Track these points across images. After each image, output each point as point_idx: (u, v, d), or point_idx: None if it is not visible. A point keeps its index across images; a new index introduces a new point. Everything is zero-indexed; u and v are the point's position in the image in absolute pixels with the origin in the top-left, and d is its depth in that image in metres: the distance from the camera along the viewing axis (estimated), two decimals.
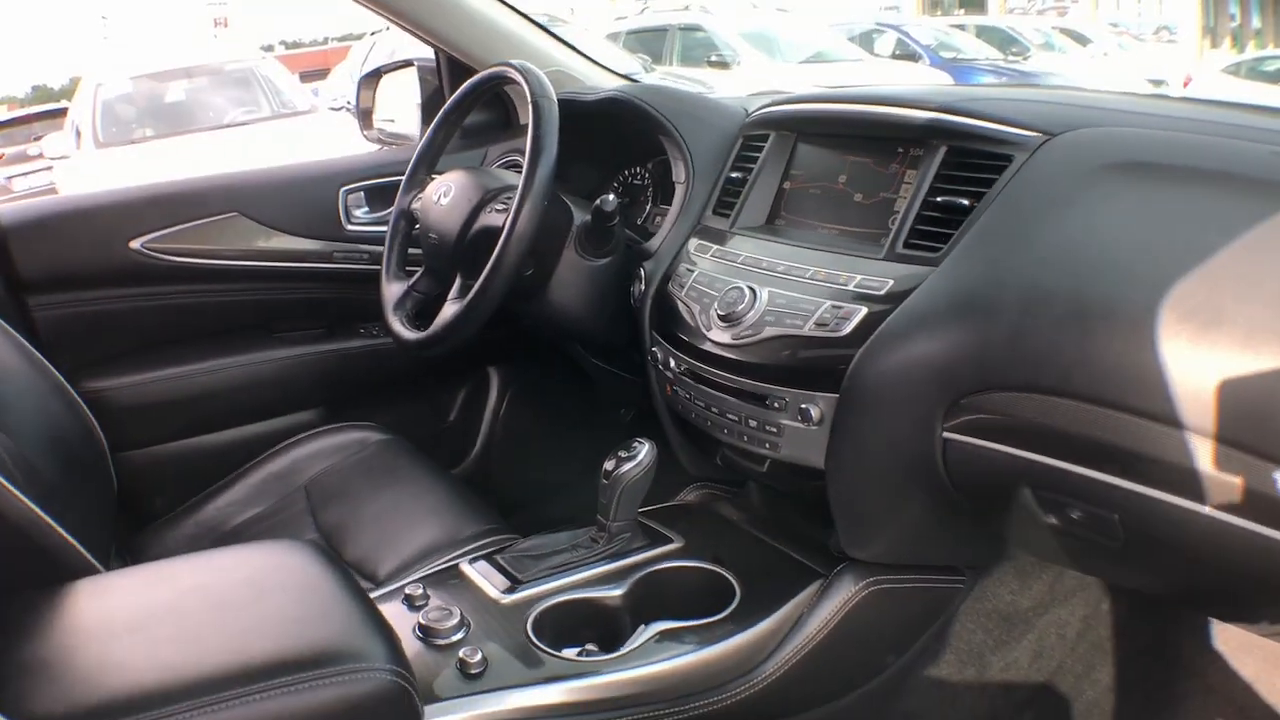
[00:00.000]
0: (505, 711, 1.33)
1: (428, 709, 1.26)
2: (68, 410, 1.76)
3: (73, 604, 1.16)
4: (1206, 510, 1.10)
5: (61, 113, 11.68)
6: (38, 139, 10.64)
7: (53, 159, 9.06)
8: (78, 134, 8.77)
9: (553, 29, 2.35)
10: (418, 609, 1.45)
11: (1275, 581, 1.10)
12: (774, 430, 1.46)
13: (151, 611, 1.14)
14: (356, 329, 2.37)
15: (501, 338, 2.25)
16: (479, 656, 1.36)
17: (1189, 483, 1.09)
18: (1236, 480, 1.05)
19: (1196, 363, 1.07)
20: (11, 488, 1.17)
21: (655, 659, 1.43)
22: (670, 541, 1.64)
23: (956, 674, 1.67)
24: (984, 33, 16.59)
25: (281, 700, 1.01)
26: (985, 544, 1.59)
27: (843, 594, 1.51)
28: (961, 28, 16.94)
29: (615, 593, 1.53)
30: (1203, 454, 1.07)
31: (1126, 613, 1.74)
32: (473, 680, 1.34)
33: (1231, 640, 1.60)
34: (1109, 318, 1.15)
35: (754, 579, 1.57)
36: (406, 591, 1.50)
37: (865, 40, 14.77)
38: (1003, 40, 16.35)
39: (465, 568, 1.59)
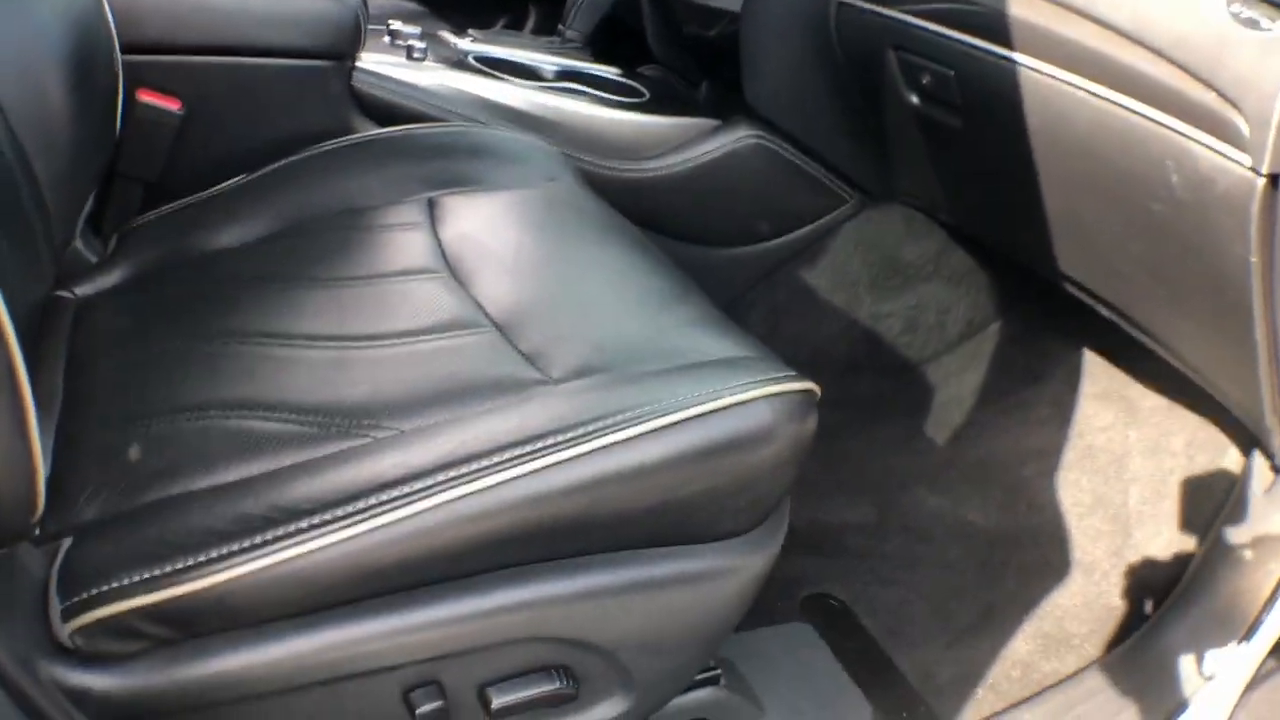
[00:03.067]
0: None
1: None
2: None
3: None
4: (1019, 56, 1.35)
5: None
6: None
7: None
8: None
9: None
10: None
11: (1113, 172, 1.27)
12: None
13: None
14: None
15: None
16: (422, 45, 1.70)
17: (1006, 29, 1.35)
18: (1041, 21, 1.28)
19: None
20: None
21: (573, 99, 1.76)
22: (613, 68, 1.95)
23: (827, 287, 1.92)
24: None
25: None
26: (871, 166, 1.84)
27: (734, 133, 1.80)
28: None
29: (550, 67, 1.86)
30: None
31: (1010, 336, 1.94)
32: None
33: (1099, 388, 1.71)
34: None
35: (670, 99, 1.88)
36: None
37: None
38: None
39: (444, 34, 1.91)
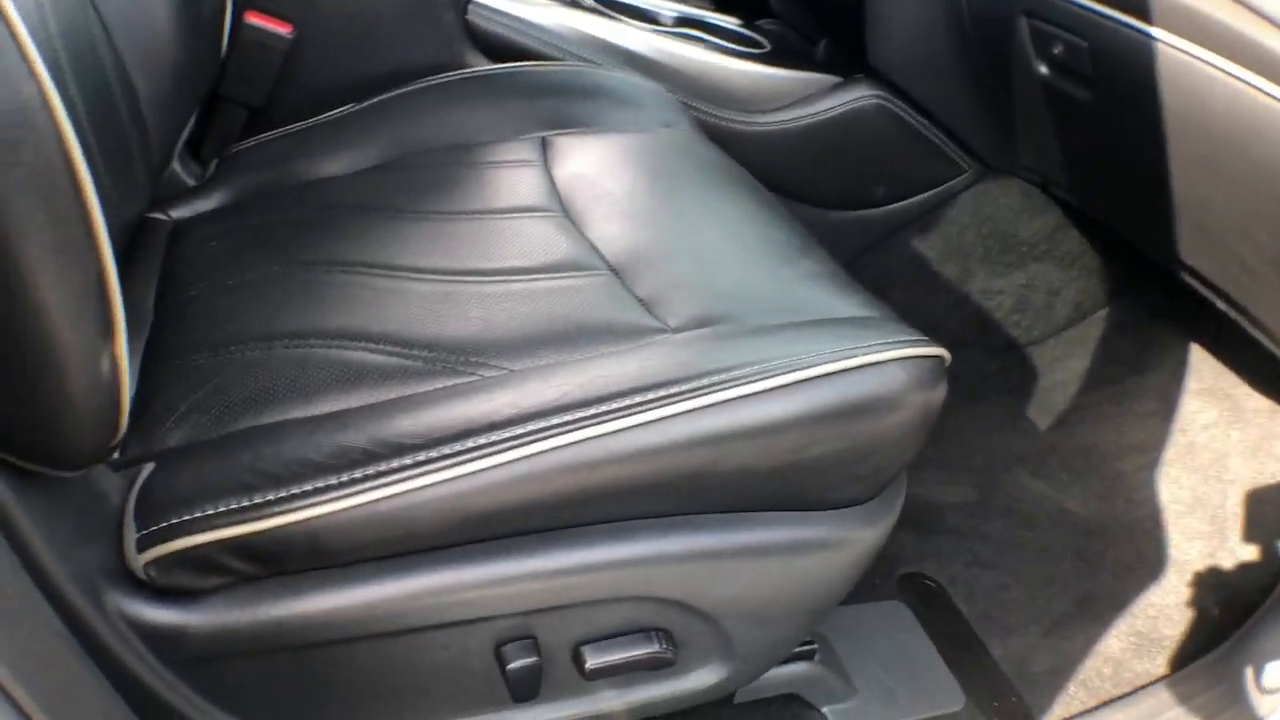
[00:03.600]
0: None
1: None
2: None
3: None
4: (1156, 31, 1.28)
5: None
6: None
7: None
8: None
9: None
10: None
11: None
12: None
13: None
14: None
15: None
16: None
17: (1145, 1, 1.28)
18: None
19: None
20: None
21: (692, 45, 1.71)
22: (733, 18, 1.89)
23: (938, 258, 1.86)
24: None
25: None
26: (993, 136, 1.76)
27: (855, 92, 1.73)
28: None
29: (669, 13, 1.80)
30: None
31: (1117, 324, 1.88)
32: None
33: (1204, 384, 1.66)
34: None
35: (789, 54, 1.81)
36: None
37: None
38: None
39: None
